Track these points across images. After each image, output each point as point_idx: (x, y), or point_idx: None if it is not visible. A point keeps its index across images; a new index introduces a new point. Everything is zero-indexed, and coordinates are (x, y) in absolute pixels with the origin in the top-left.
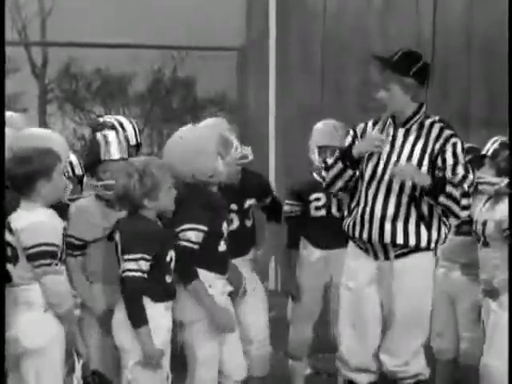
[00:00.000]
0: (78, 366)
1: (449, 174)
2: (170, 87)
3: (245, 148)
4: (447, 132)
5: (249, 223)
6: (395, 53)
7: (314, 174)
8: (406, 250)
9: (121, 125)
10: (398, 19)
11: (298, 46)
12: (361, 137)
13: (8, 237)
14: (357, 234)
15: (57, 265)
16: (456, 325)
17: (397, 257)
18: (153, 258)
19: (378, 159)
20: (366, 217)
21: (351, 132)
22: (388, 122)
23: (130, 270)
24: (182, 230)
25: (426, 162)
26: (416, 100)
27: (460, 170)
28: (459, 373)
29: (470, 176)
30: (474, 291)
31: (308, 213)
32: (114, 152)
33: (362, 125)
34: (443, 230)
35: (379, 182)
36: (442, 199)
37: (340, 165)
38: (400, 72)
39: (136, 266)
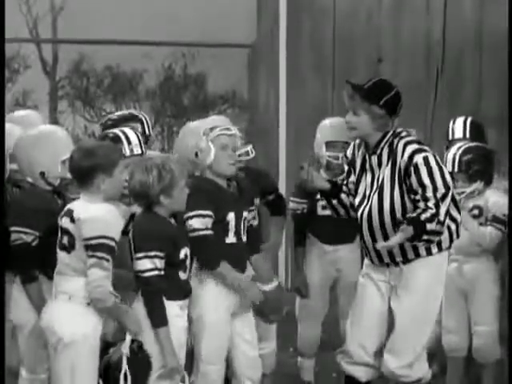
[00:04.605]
0: (128, 338)
1: (421, 205)
2: (180, 84)
3: (246, 145)
4: (409, 149)
5: (255, 222)
6: (368, 80)
7: (322, 172)
8: (414, 256)
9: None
10: (409, 18)
11: (309, 44)
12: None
13: (68, 225)
14: (364, 253)
15: (108, 261)
16: (469, 321)
17: (407, 261)
18: (165, 255)
19: (366, 184)
20: (367, 242)
21: (345, 159)
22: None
23: (146, 270)
24: (186, 220)
25: (395, 189)
26: (382, 129)
27: (431, 198)
28: (472, 370)
29: (446, 198)
30: (488, 284)
31: (315, 210)
32: (137, 148)
33: (351, 146)
34: (452, 227)
35: (370, 211)
36: (425, 237)
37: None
38: (369, 101)
39: (152, 264)
